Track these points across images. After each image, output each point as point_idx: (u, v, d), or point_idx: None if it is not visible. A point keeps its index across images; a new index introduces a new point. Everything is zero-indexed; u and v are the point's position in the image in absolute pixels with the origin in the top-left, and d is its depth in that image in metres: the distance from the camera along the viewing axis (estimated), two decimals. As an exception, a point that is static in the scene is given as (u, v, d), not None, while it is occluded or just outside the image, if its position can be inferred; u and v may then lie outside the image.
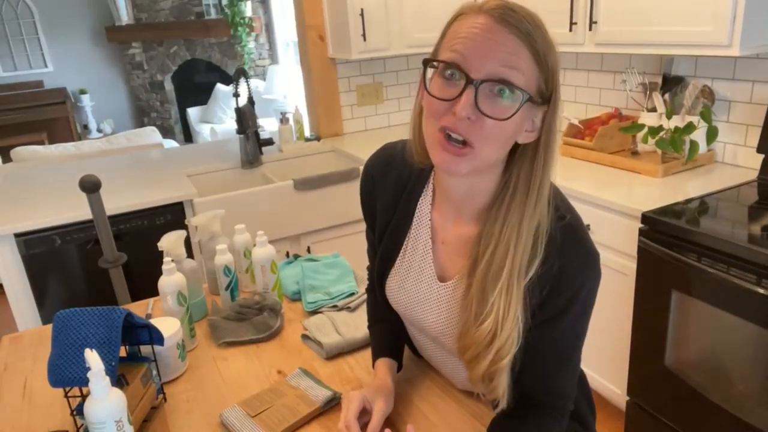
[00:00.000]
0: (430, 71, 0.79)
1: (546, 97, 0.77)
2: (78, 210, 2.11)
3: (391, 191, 0.97)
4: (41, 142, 6.00)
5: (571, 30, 2.19)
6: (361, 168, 1.03)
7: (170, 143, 5.19)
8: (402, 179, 0.96)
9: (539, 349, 0.84)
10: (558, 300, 0.82)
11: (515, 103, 0.74)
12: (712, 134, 2.10)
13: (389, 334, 1.08)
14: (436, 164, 0.81)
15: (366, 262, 1.14)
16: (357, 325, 1.26)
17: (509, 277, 0.78)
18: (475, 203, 0.86)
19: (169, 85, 6.74)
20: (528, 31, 0.74)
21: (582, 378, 1.06)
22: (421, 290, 0.94)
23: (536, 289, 0.80)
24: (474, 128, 0.75)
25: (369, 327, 1.14)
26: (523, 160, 0.80)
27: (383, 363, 1.03)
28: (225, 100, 6.17)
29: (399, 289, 0.98)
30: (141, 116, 6.97)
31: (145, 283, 1.78)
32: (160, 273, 1.20)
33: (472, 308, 0.82)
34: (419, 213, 0.94)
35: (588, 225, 1.91)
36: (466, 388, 1.05)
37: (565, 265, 0.80)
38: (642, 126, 2.19)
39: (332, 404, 1.03)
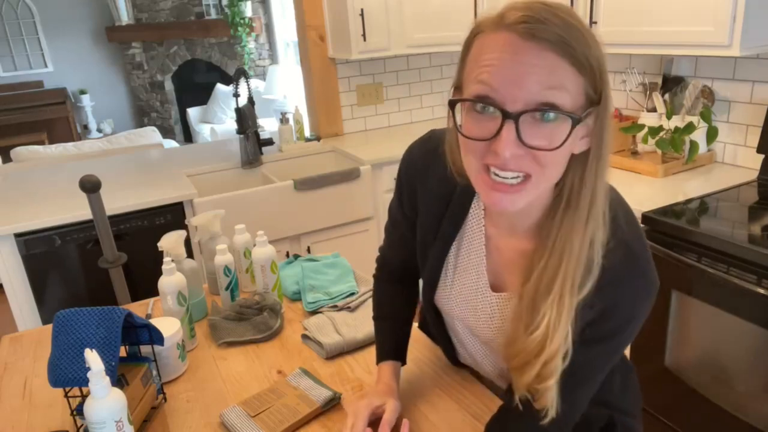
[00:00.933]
0: (458, 106, 0.71)
1: (596, 100, 0.68)
2: (78, 210, 2.11)
3: (435, 188, 0.90)
4: (41, 142, 6.00)
5: (571, 30, 2.19)
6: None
7: (170, 143, 5.19)
8: (448, 181, 0.85)
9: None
10: (603, 326, 0.77)
11: (564, 124, 0.65)
12: (712, 134, 2.10)
13: (396, 333, 1.05)
14: (485, 203, 0.73)
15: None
16: (357, 325, 1.26)
17: (561, 289, 0.73)
18: (530, 219, 0.80)
19: (169, 85, 6.74)
20: (562, 39, 0.63)
21: (627, 369, 1.03)
22: (476, 299, 0.90)
23: (588, 310, 0.75)
24: (525, 160, 0.67)
25: (374, 319, 1.09)
26: (576, 169, 0.72)
27: (388, 366, 1.02)
28: (225, 100, 6.17)
29: (448, 297, 0.94)
30: (141, 116, 6.97)
31: (145, 283, 1.78)
32: (160, 273, 1.20)
33: (522, 318, 0.77)
34: (472, 219, 0.89)
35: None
36: (492, 378, 1.04)
37: (620, 296, 0.76)
38: (642, 126, 2.19)
39: (332, 404, 1.03)
